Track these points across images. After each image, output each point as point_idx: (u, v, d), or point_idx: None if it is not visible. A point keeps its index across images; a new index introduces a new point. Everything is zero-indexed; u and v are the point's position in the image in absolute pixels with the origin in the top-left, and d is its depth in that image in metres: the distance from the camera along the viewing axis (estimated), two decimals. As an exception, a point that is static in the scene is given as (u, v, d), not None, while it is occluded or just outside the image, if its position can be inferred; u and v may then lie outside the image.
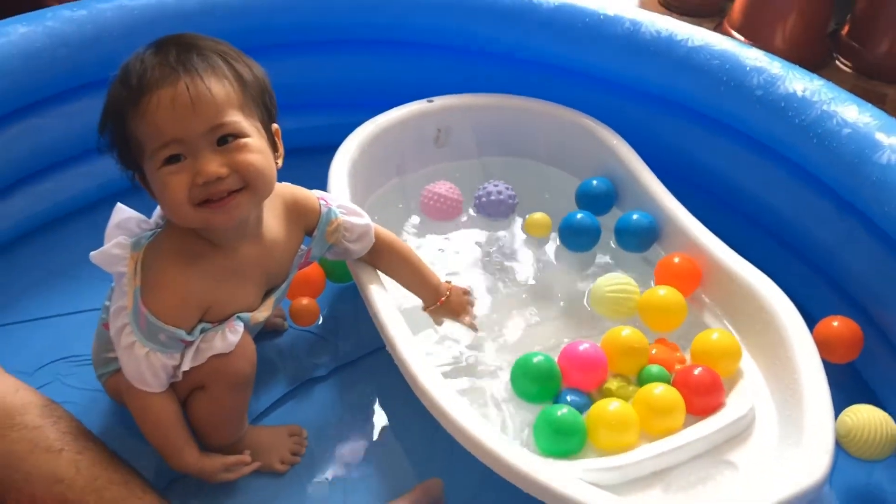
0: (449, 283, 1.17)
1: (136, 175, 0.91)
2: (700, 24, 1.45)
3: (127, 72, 0.86)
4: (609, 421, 0.98)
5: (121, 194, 0.98)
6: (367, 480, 1.05)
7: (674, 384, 1.04)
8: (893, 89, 2.25)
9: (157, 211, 0.97)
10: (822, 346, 1.07)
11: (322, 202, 1.05)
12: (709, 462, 0.98)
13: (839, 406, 1.00)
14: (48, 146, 1.33)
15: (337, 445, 1.09)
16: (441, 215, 1.37)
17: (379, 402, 1.15)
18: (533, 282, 1.29)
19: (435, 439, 1.01)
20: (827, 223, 1.23)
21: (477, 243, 1.36)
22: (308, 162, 1.22)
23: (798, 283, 1.24)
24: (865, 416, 0.99)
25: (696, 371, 1.03)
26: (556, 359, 1.06)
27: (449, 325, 1.17)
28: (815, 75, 1.28)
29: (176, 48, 0.86)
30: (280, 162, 0.95)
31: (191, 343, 0.92)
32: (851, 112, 1.17)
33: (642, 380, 1.06)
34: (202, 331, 0.93)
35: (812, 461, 0.90)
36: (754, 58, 1.30)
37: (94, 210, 1.37)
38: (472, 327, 1.16)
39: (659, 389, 1.00)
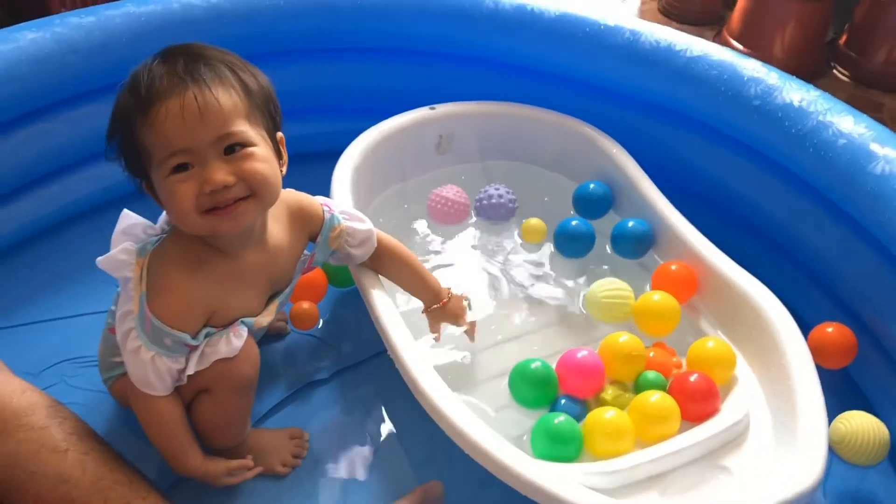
0: (448, 289, 1.18)
1: (143, 183, 0.92)
2: (700, 33, 1.46)
3: (135, 81, 0.87)
4: (605, 429, 0.99)
5: (126, 198, 0.99)
6: (367, 483, 1.06)
7: (670, 391, 1.05)
8: (890, 98, 2.27)
9: (163, 217, 0.99)
10: (817, 351, 1.08)
11: (325, 208, 1.06)
12: (704, 467, 0.99)
13: (833, 411, 1.01)
14: (55, 150, 1.34)
15: (338, 448, 1.10)
16: (448, 219, 1.38)
17: (380, 405, 1.16)
18: (530, 287, 1.31)
19: (435, 442, 1.02)
20: (822, 231, 1.24)
21: (475, 248, 1.37)
22: (312, 168, 1.23)
23: (793, 289, 1.26)
24: (858, 422, 1.01)
25: (692, 378, 1.04)
26: (553, 365, 1.08)
27: (451, 330, 1.18)
28: (811, 86, 1.29)
29: (183, 58, 0.87)
30: (284, 169, 0.96)
31: (195, 347, 0.93)
32: (847, 123, 1.19)
33: (639, 386, 1.07)
34: (207, 335, 0.94)
35: (806, 466, 0.92)
36: (752, 68, 1.32)
37: (99, 214, 1.38)
38: (470, 334, 1.17)
39: (654, 397, 1.02)
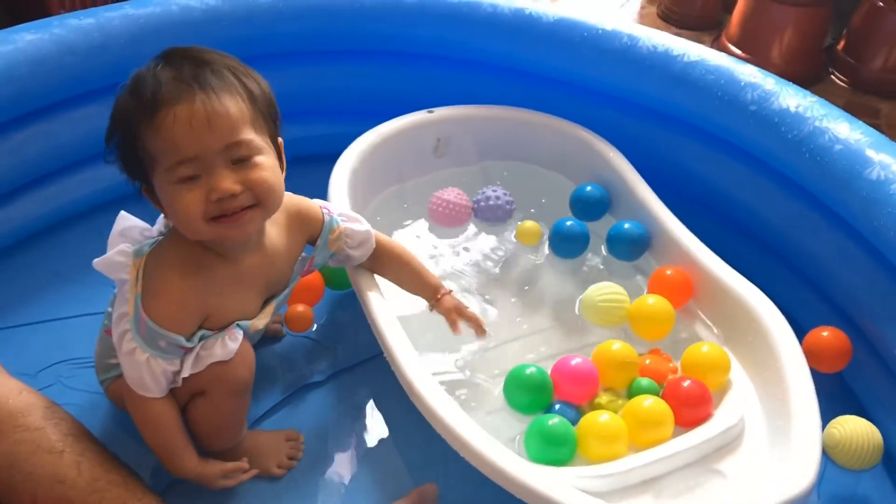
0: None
1: (142, 186, 0.92)
2: (698, 38, 1.47)
3: (139, 84, 0.86)
4: (598, 432, 0.99)
5: (124, 199, 0.99)
6: (362, 485, 1.06)
7: (663, 396, 1.05)
8: (887, 104, 2.28)
9: (160, 219, 0.98)
10: (811, 355, 1.09)
11: (325, 211, 1.07)
12: (699, 470, 1.00)
13: (827, 415, 1.01)
14: (53, 151, 1.34)
15: (333, 450, 1.10)
16: (450, 222, 1.38)
17: (375, 407, 1.16)
18: (525, 290, 1.31)
19: (430, 445, 1.02)
20: (818, 236, 1.25)
21: (468, 250, 1.37)
22: (310, 170, 1.23)
23: (788, 293, 1.26)
24: (852, 427, 1.01)
25: (685, 383, 1.05)
26: (548, 370, 1.08)
27: (447, 333, 1.18)
28: (808, 92, 1.30)
29: (189, 63, 0.86)
30: (283, 174, 0.96)
31: (190, 349, 0.93)
32: (843, 129, 1.19)
33: (632, 393, 1.07)
34: (202, 338, 0.94)
35: (800, 469, 0.92)
36: (749, 74, 1.32)
37: (97, 214, 1.37)
38: (480, 328, 1.14)
39: (648, 402, 1.02)
